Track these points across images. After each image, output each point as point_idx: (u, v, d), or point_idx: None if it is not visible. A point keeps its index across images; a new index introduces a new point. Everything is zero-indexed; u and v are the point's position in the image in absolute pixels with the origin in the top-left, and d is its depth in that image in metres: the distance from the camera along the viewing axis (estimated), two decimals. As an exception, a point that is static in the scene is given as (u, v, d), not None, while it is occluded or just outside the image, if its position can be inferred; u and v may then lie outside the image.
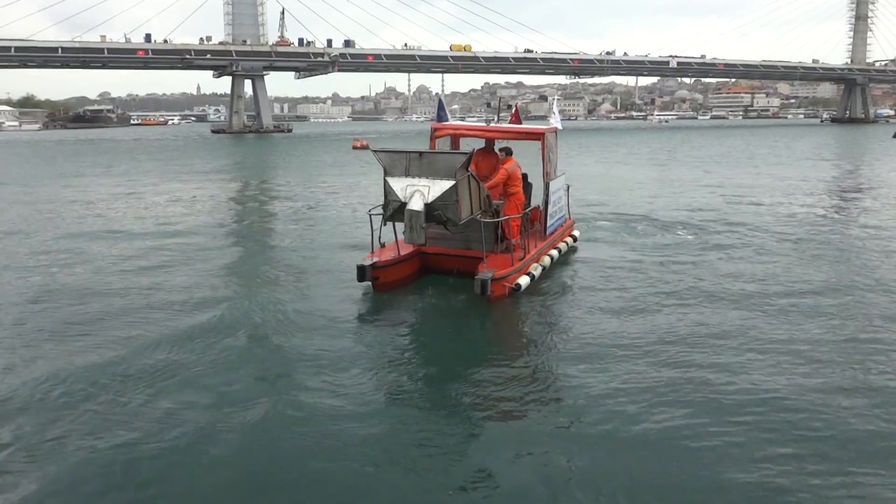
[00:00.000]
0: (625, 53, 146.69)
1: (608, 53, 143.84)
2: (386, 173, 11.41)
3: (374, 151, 11.61)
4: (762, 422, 7.03)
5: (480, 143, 13.50)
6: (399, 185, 11.21)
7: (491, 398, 7.67)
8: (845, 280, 12.93)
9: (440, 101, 14.23)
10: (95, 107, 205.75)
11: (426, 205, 10.94)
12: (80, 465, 6.26)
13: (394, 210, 11.47)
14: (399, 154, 11.43)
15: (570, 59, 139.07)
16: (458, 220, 11.15)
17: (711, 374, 8.32)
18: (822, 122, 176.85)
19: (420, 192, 10.97)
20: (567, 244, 14.74)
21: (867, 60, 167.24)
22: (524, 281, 11.77)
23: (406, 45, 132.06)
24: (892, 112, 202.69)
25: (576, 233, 15.63)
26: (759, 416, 7.14)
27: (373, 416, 7.15)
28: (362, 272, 11.78)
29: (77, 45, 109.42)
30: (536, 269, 12.37)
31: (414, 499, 5.80)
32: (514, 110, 14.78)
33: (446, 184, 10.90)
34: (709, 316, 10.70)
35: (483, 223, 11.85)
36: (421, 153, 11.34)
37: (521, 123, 14.49)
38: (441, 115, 13.78)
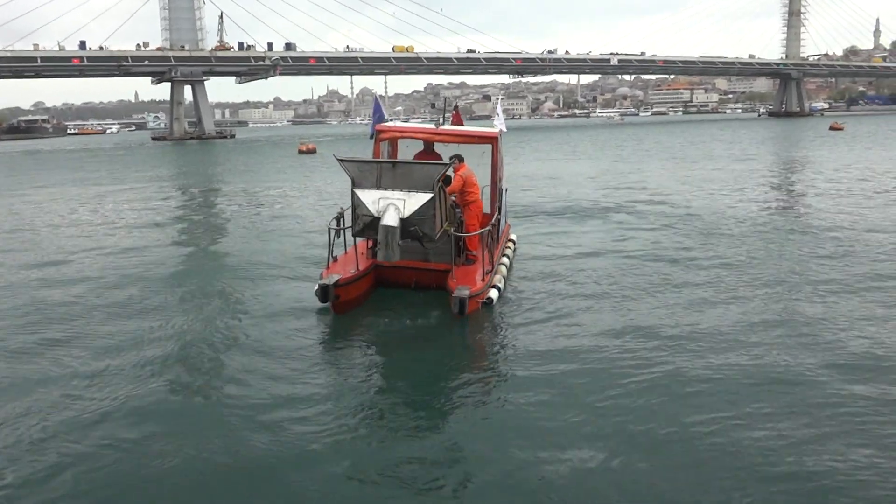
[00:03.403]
0: (566, 52, 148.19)
1: (550, 52, 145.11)
2: (354, 185, 10.47)
3: (340, 161, 10.62)
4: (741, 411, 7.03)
5: (419, 146, 13.07)
6: (370, 198, 10.29)
7: (482, 418, 7.24)
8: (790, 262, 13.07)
9: (376, 100, 13.56)
10: (30, 117, 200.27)
11: (402, 220, 10.10)
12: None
13: (364, 225, 10.52)
14: (369, 164, 10.64)
15: (513, 59, 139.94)
16: (434, 235, 10.41)
17: (683, 365, 8.40)
18: (759, 116, 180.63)
19: (394, 205, 10.13)
20: (512, 249, 14.35)
21: (801, 55, 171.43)
22: (494, 294, 11.05)
23: (348, 47, 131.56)
24: (826, 105, 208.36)
25: (513, 236, 15.31)
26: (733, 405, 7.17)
27: (358, 446, 6.61)
28: (325, 292, 10.54)
29: (8, 55, 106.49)
30: (500, 281, 11.75)
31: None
32: (455, 111, 14.25)
33: (424, 197, 10.11)
34: (664, 305, 10.92)
35: (453, 236, 11.14)
36: (394, 163, 10.64)
37: (462, 124, 14.01)
38: (379, 116, 13.07)
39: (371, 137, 12.90)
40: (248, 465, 6.27)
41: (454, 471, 6.21)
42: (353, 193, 10.55)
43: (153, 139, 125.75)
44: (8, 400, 7.76)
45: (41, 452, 6.60)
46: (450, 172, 11.37)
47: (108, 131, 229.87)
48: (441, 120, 13.15)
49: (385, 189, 10.36)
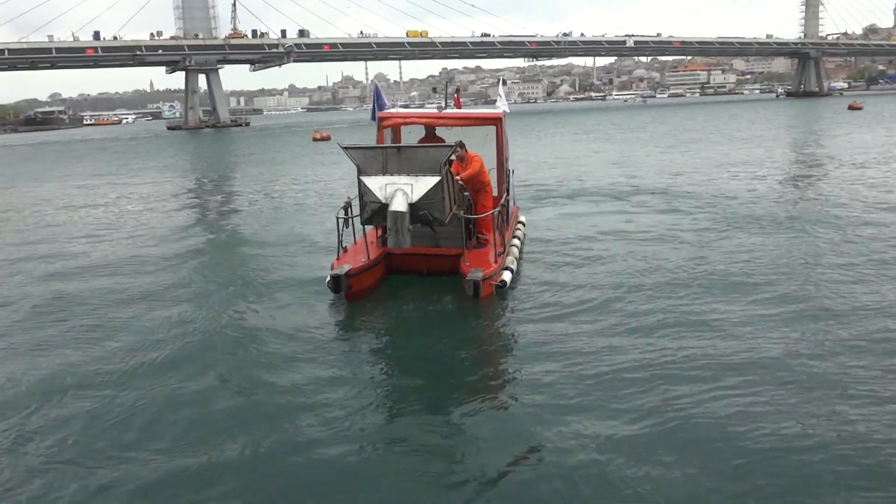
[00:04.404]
0: (581, 34, 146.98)
1: (565, 35, 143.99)
2: (360, 172, 10.33)
3: (345, 149, 10.44)
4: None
5: (422, 131, 12.89)
6: (377, 185, 10.14)
7: (503, 404, 7.20)
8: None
9: (376, 88, 13.33)
10: (46, 108, 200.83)
11: (411, 205, 9.97)
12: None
13: (372, 212, 10.42)
14: (374, 150, 10.51)
15: (528, 42, 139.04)
16: (444, 218, 10.28)
17: (694, 354, 8.23)
18: (777, 96, 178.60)
19: (402, 190, 9.99)
20: (522, 231, 14.25)
21: (820, 34, 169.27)
22: (507, 277, 10.93)
23: (362, 32, 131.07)
24: (845, 85, 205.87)
25: (522, 218, 15.23)
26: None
27: (377, 435, 6.59)
28: (337, 282, 10.42)
29: (24, 47, 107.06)
30: (513, 263, 11.64)
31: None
32: (456, 94, 14.11)
33: (431, 180, 9.98)
34: (672, 292, 10.72)
35: (464, 219, 10.94)
36: (399, 147, 10.50)
37: (461, 107, 13.85)
38: (381, 104, 12.91)
39: (373, 120, 12.79)
40: (257, 449, 6.28)
41: (468, 460, 6.12)
42: (359, 181, 10.41)
43: (168, 128, 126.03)
44: (28, 386, 7.90)
45: (52, 427, 6.75)
46: (454, 157, 11.19)
47: (125, 121, 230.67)
48: (444, 104, 13.00)
49: (391, 174, 10.20)
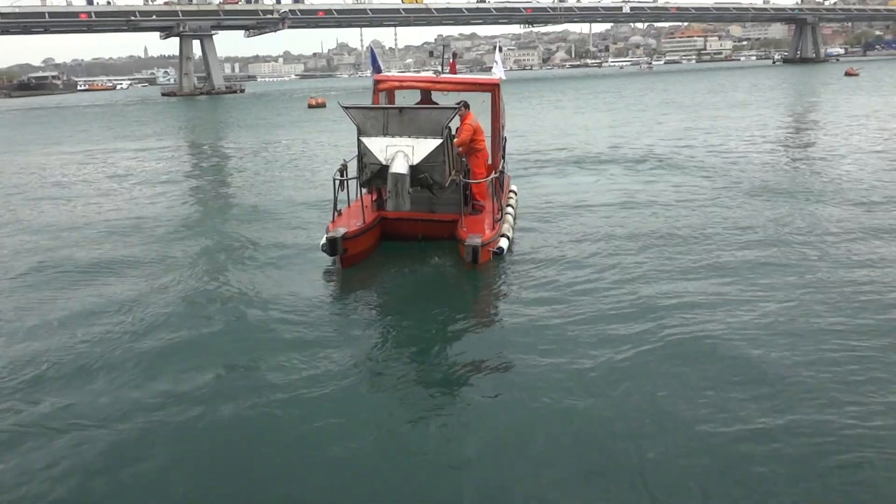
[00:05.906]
0: (577, 0, 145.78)
1: (561, 1, 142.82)
2: (360, 132, 10.16)
3: (346, 108, 10.32)
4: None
5: (417, 96, 12.86)
6: (377, 146, 9.95)
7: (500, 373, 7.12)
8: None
9: (372, 51, 13.24)
10: (40, 74, 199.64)
11: (411, 167, 9.81)
12: (23, 458, 5.84)
13: (372, 174, 10.18)
14: (375, 110, 10.37)
15: (523, 8, 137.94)
16: (444, 182, 10.14)
17: (697, 319, 8.23)
18: (774, 63, 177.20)
19: (403, 152, 9.82)
20: (514, 200, 14.08)
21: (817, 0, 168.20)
22: (504, 244, 10.75)
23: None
24: (842, 51, 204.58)
25: (513, 187, 15.01)
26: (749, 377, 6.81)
27: (371, 405, 6.53)
28: (333, 245, 10.18)
29: (16, 10, 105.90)
30: (509, 231, 11.42)
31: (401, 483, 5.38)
32: (451, 60, 14.19)
33: (433, 143, 9.86)
34: (676, 256, 10.77)
35: (462, 183, 10.83)
36: (401, 109, 10.35)
37: (456, 73, 13.83)
38: (376, 67, 12.95)
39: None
40: (250, 422, 6.22)
41: (465, 432, 6.02)
42: (359, 142, 10.23)
43: (163, 94, 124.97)
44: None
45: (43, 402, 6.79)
46: (455, 122, 11.17)
47: (119, 87, 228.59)
48: (441, 69, 13.07)
49: (392, 136, 10.06)
